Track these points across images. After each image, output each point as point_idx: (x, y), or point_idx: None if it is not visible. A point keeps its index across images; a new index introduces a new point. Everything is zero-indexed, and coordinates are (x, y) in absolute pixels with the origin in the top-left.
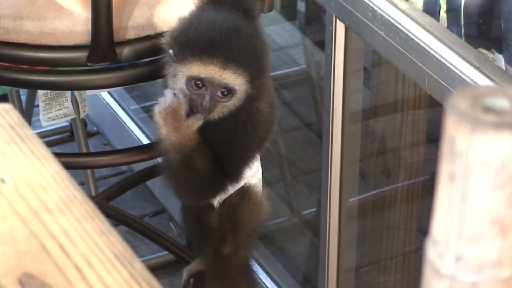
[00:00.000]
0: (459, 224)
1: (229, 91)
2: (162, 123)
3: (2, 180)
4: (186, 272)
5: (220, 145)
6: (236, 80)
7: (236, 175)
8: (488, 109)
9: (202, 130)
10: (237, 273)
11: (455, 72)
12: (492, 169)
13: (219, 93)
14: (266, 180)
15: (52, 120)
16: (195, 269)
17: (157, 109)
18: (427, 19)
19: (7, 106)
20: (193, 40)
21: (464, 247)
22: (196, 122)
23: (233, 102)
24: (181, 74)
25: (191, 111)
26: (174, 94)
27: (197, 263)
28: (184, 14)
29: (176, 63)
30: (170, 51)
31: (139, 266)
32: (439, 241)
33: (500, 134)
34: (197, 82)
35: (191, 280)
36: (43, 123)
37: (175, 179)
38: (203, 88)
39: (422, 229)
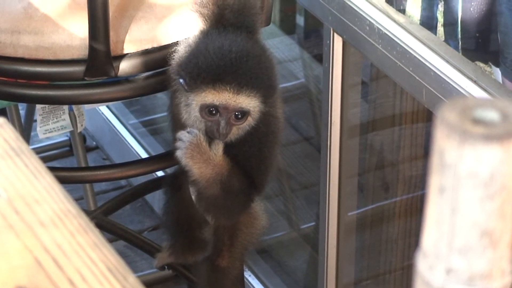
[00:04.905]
0: (449, 236)
1: (244, 114)
2: (192, 162)
3: None
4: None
5: (248, 160)
6: (250, 103)
7: (264, 183)
8: (477, 121)
9: (226, 151)
10: (231, 284)
11: (452, 85)
12: (481, 181)
13: (233, 117)
14: (265, 194)
15: (49, 132)
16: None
17: (181, 153)
18: (425, 33)
19: (1, 120)
20: (203, 68)
21: (454, 259)
22: (219, 148)
23: (248, 123)
24: (194, 103)
25: (209, 138)
26: (188, 132)
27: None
28: (185, 37)
29: (189, 92)
30: (181, 80)
31: (132, 279)
32: (429, 253)
33: (489, 146)
34: (211, 109)
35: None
36: (40, 136)
37: (217, 207)
38: (218, 115)
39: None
